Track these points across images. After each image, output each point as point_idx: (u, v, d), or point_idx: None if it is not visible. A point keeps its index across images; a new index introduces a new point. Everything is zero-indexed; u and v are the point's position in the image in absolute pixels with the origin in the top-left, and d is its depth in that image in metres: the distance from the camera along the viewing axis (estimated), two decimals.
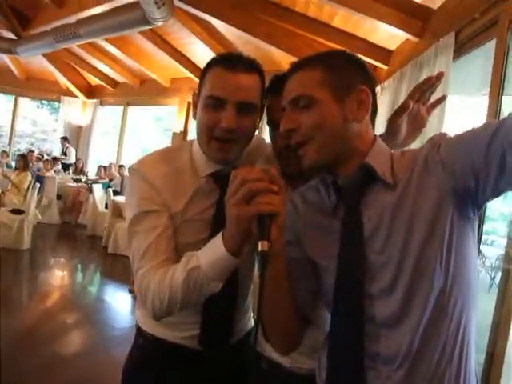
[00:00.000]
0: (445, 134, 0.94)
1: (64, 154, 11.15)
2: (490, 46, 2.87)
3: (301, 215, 1.04)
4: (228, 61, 1.14)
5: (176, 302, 1.05)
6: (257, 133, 1.27)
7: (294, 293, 0.99)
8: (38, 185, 6.62)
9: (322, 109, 0.92)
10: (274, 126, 1.26)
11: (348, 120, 0.93)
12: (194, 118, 1.21)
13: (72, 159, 11.01)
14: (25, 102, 13.32)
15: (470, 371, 0.92)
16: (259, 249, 0.85)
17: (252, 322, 1.43)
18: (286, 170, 1.24)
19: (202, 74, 1.19)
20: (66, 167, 10.62)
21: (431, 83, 1.21)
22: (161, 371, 1.27)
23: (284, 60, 6.52)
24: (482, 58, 3.34)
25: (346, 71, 0.96)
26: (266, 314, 0.99)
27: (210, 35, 6.72)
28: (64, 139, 11.45)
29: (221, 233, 0.99)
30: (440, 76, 1.21)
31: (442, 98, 1.30)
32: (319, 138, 0.93)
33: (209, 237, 1.12)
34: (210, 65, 1.17)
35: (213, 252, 1.00)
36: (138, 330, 1.35)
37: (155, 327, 1.27)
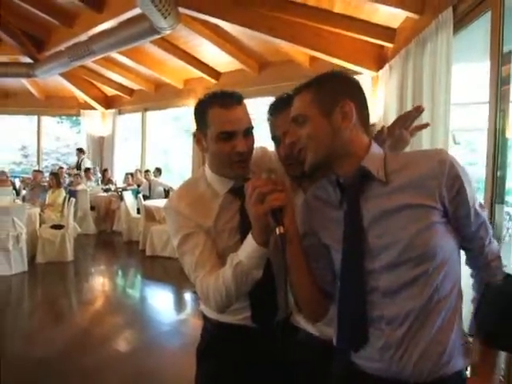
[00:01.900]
0: (465, 175, 1.13)
1: (79, 165, 11.37)
2: (488, 17, 2.99)
3: (313, 210, 1.29)
4: (222, 100, 1.41)
5: (231, 293, 1.33)
6: None
7: (315, 273, 1.26)
8: (73, 199, 6.97)
9: (313, 123, 1.17)
10: (277, 140, 1.52)
11: (336, 129, 1.16)
12: (204, 151, 1.52)
13: None
14: (46, 120, 13.75)
15: (460, 326, 1.17)
16: (277, 233, 1.14)
17: None
18: (292, 174, 1.51)
19: (201, 114, 1.45)
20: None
21: (412, 115, 1.49)
22: (226, 347, 1.57)
23: (291, 50, 6.66)
24: (483, 28, 3.43)
25: (331, 90, 1.18)
26: (294, 289, 1.28)
27: (217, 35, 6.89)
28: (79, 151, 11.72)
29: (250, 232, 1.28)
30: (418, 109, 1.50)
31: (425, 125, 1.58)
32: (312, 145, 1.18)
33: (240, 239, 1.42)
34: (207, 107, 1.43)
35: (247, 247, 1.29)
36: (204, 317, 1.66)
37: (217, 314, 1.55)
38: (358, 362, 1.18)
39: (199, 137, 1.49)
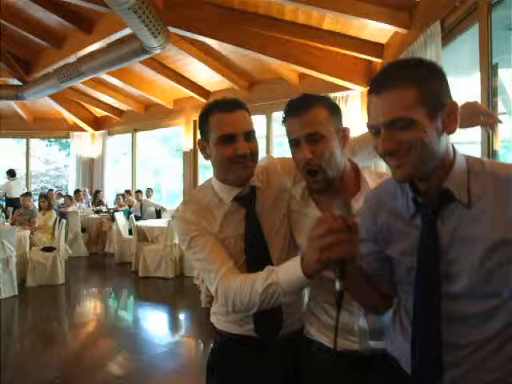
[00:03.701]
0: None
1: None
2: (476, 30, 3.03)
3: (377, 217, 1.19)
4: (222, 106, 1.44)
5: (254, 305, 1.29)
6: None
7: (379, 283, 1.21)
8: (64, 221, 6.89)
9: (421, 128, 0.97)
10: (294, 145, 1.40)
11: (440, 133, 1.00)
12: (207, 159, 1.52)
13: (13, 195, 10.28)
14: (35, 143, 13.67)
15: None
16: (337, 288, 1.00)
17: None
18: (313, 186, 1.42)
19: (203, 121, 1.47)
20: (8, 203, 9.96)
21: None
22: (235, 359, 1.55)
23: (281, 67, 6.72)
24: (471, 40, 3.48)
25: (435, 87, 0.99)
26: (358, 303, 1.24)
27: (207, 54, 6.96)
28: (7, 173, 10.96)
29: (299, 257, 1.18)
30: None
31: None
32: (417, 154, 0.99)
33: (244, 248, 1.46)
34: (208, 113, 1.45)
35: (291, 273, 1.20)
36: (215, 329, 1.64)
37: (227, 325, 1.57)
38: None
39: (203, 145, 1.50)
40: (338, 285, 1.00)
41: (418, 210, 1.08)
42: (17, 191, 10.34)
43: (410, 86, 0.97)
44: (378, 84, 1.02)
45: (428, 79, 0.99)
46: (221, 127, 1.42)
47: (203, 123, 1.48)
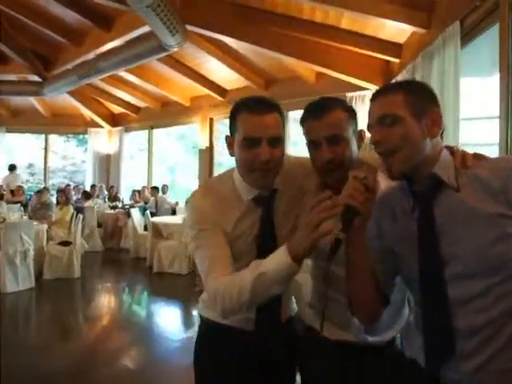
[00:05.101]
0: None
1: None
2: (496, 30, 3.00)
3: (381, 221, 1.26)
4: (252, 106, 1.38)
5: (244, 300, 1.26)
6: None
7: (380, 275, 1.24)
8: (80, 216, 6.98)
9: (405, 125, 1.13)
10: (314, 146, 1.42)
11: (425, 135, 1.14)
12: (232, 155, 1.47)
13: (10, 187, 10.75)
14: (53, 138, 13.84)
15: None
16: (336, 236, 1.09)
17: (294, 306, 1.69)
18: (328, 182, 1.44)
19: (231, 119, 1.43)
20: None
21: None
22: (222, 350, 1.52)
23: (298, 66, 6.72)
24: (490, 41, 3.45)
25: (422, 96, 1.17)
26: (355, 293, 1.24)
27: (224, 52, 6.98)
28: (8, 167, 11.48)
29: (284, 246, 1.21)
30: None
31: None
32: (404, 150, 1.14)
33: (255, 248, 1.44)
34: (237, 111, 1.41)
35: (278, 260, 1.21)
36: (201, 318, 1.63)
37: (214, 314, 1.49)
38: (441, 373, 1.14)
39: (231, 141, 1.46)
40: (339, 233, 1.09)
41: (415, 201, 1.18)
42: (14, 184, 11.00)
43: (399, 93, 1.16)
44: (376, 93, 1.21)
45: (415, 91, 1.18)
46: (245, 129, 1.37)
47: (231, 120, 1.43)
